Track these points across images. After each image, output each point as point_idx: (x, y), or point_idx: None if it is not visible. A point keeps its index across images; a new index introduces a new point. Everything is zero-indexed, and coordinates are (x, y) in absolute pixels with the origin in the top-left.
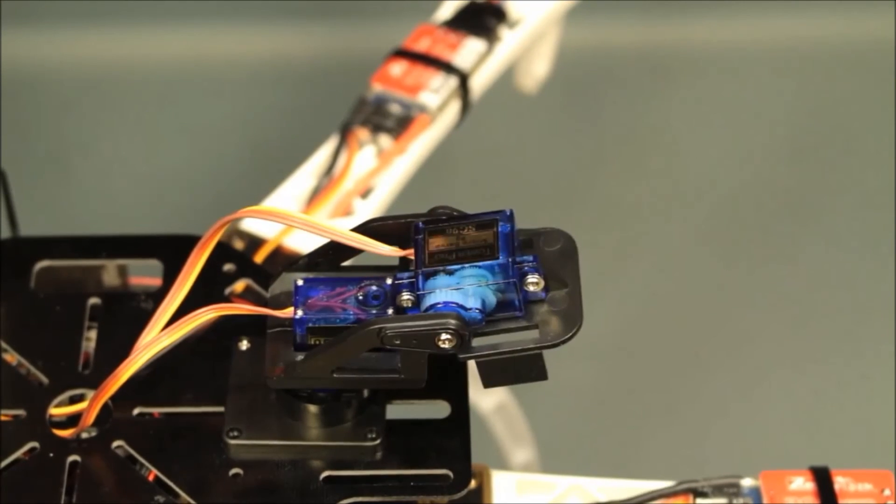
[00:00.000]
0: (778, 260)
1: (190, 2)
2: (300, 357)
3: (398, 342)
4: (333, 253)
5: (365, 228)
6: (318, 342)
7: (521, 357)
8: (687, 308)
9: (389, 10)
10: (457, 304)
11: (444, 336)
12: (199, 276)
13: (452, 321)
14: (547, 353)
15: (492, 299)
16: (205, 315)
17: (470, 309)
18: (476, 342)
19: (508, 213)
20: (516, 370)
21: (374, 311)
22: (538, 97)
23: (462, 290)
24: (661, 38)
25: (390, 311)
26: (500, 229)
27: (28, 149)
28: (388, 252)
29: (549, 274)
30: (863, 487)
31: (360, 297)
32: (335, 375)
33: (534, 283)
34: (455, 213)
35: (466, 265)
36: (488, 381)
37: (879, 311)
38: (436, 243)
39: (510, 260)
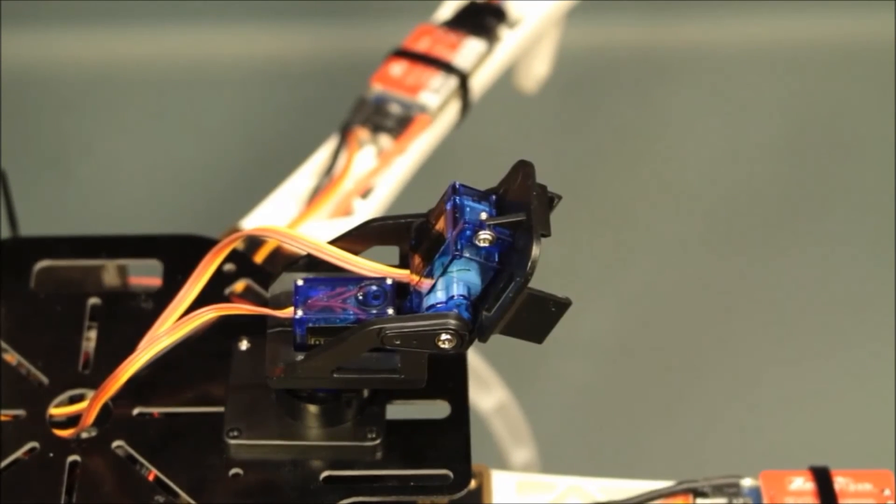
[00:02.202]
0: (778, 259)
1: (190, 2)
2: (300, 357)
3: (398, 342)
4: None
5: (365, 229)
6: (318, 342)
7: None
8: (687, 307)
9: (389, 10)
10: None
11: (444, 336)
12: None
13: (452, 321)
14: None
15: (474, 280)
16: (205, 315)
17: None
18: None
19: (452, 186)
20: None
21: (374, 311)
22: (538, 97)
23: (444, 287)
24: (661, 38)
25: (390, 311)
26: (447, 206)
27: (28, 149)
28: (372, 271)
29: (509, 209)
30: (863, 487)
31: (360, 297)
32: (335, 375)
33: (484, 238)
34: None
35: (434, 262)
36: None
37: (879, 311)
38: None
39: (450, 235)
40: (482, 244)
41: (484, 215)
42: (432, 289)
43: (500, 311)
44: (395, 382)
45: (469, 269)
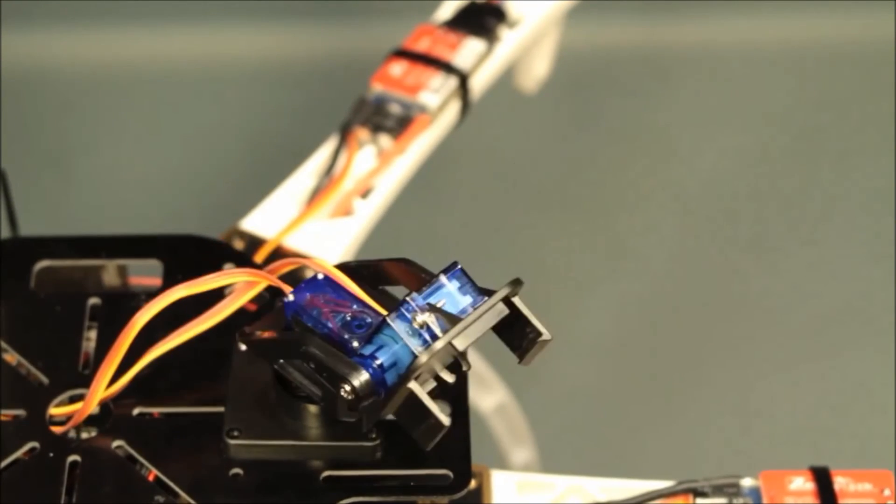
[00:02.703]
0: (778, 259)
1: (190, 2)
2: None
3: (312, 365)
4: (375, 275)
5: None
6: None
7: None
8: (687, 308)
9: (389, 10)
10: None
11: (345, 386)
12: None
13: (362, 378)
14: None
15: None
16: (240, 277)
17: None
18: None
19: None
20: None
21: (346, 336)
22: (538, 97)
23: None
24: (661, 38)
25: (355, 344)
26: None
27: (28, 149)
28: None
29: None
30: (863, 487)
31: (348, 318)
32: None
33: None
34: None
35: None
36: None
37: (880, 312)
38: None
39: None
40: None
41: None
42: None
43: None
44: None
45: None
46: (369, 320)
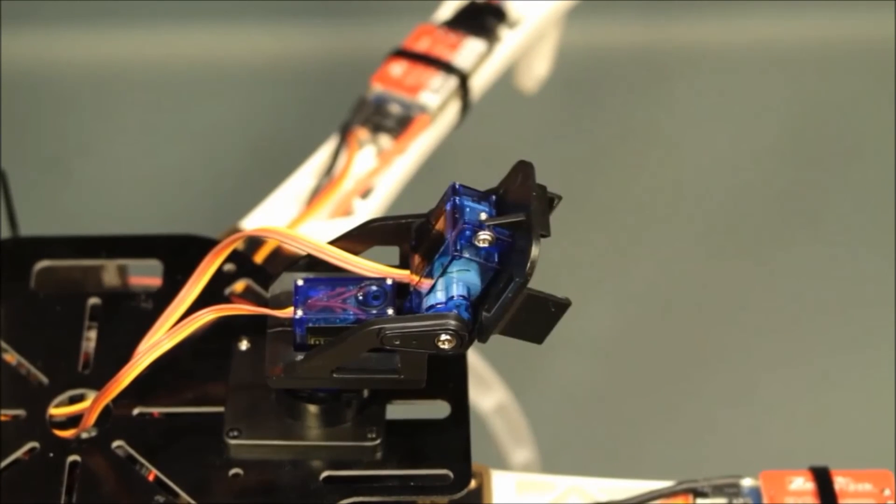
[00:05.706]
0: (778, 259)
1: (190, 2)
2: (300, 357)
3: (398, 343)
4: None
5: (365, 229)
6: (318, 342)
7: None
8: (687, 307)
9: (389, 10)
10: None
11: (443, 336)
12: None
13: (452, 322)
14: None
15: (474, 280)
16: (205, 316)
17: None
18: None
19: (453, 187)
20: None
21: (374, 311)
22: (538, 97)
23: (444, 287)
24: (661, 38)
25: (390, 312)
26: (446, 207)
27: (28, 149)
28: (372, 271)
29: (509, 210)
30: (863, 487)
31: (360, 297)
32: (335, 375)
33: (484, 239)
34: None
35: (434, 263)
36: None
37: (879, 311)
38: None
39: (450, 235)
40: (482, 245)
41: (483, 216)
42: (432, 289)
43: (500, 312)
44: (394, 382)
45: (469, 270)
46: (375, 287)
